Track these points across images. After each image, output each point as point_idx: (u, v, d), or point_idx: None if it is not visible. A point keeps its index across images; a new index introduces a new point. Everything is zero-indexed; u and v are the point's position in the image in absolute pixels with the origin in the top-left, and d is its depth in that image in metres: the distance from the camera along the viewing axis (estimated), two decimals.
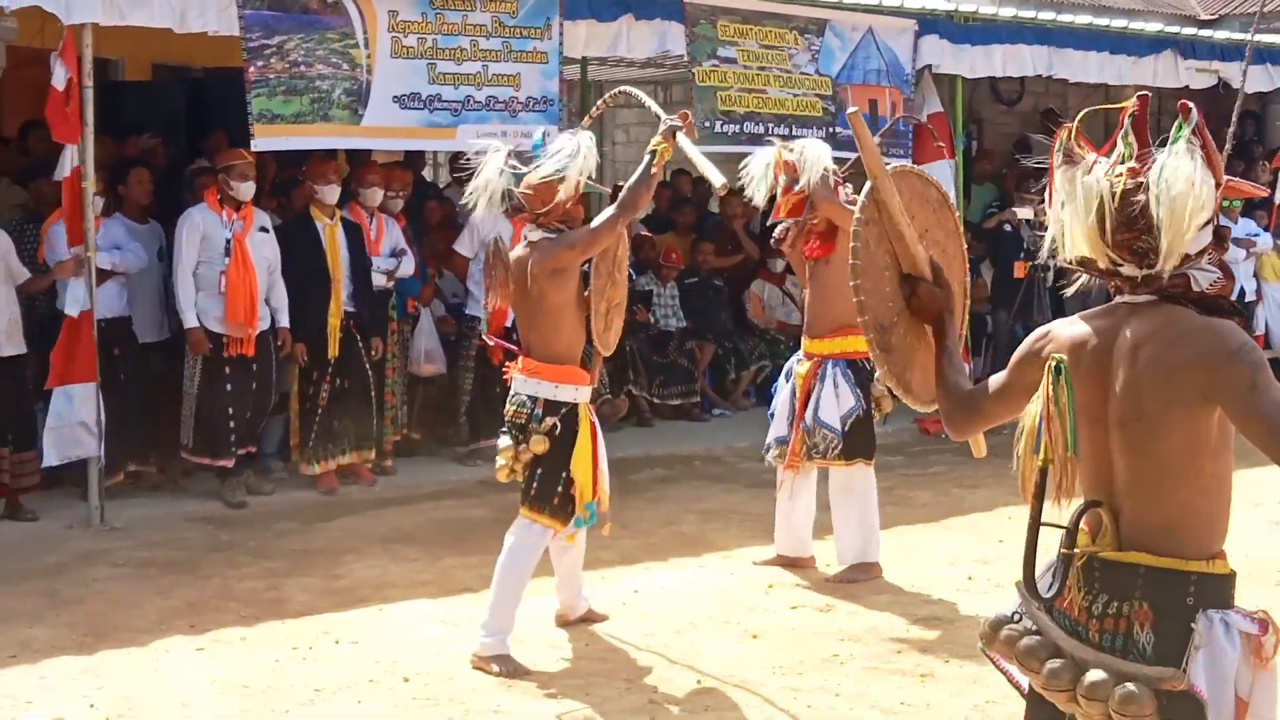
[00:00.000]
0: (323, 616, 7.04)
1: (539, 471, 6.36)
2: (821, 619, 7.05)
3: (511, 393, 6.48)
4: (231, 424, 9.27)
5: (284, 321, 9.50)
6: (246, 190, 9.30)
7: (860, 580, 7.64)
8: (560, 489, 6.37)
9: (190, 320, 9.18)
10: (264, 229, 9.44)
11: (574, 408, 6.42)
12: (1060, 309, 14.82)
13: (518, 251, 6.51)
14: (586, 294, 6.54)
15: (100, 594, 7.42)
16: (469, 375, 10.50)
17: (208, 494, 9.42)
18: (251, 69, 8.94)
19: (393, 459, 10.16)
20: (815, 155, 7.61)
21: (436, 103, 9.70)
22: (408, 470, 10.20)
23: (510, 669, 6.26)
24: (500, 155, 6.46)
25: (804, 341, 7.88)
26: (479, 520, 8.99)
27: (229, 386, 9.25)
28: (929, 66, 11.94)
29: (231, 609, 7.17)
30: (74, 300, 8.69)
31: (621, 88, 7.29)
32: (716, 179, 6.29)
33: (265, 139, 9.09)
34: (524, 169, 6.43)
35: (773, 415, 7.97)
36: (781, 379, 8.06)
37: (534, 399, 6.37)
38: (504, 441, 6.46)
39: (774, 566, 7.97)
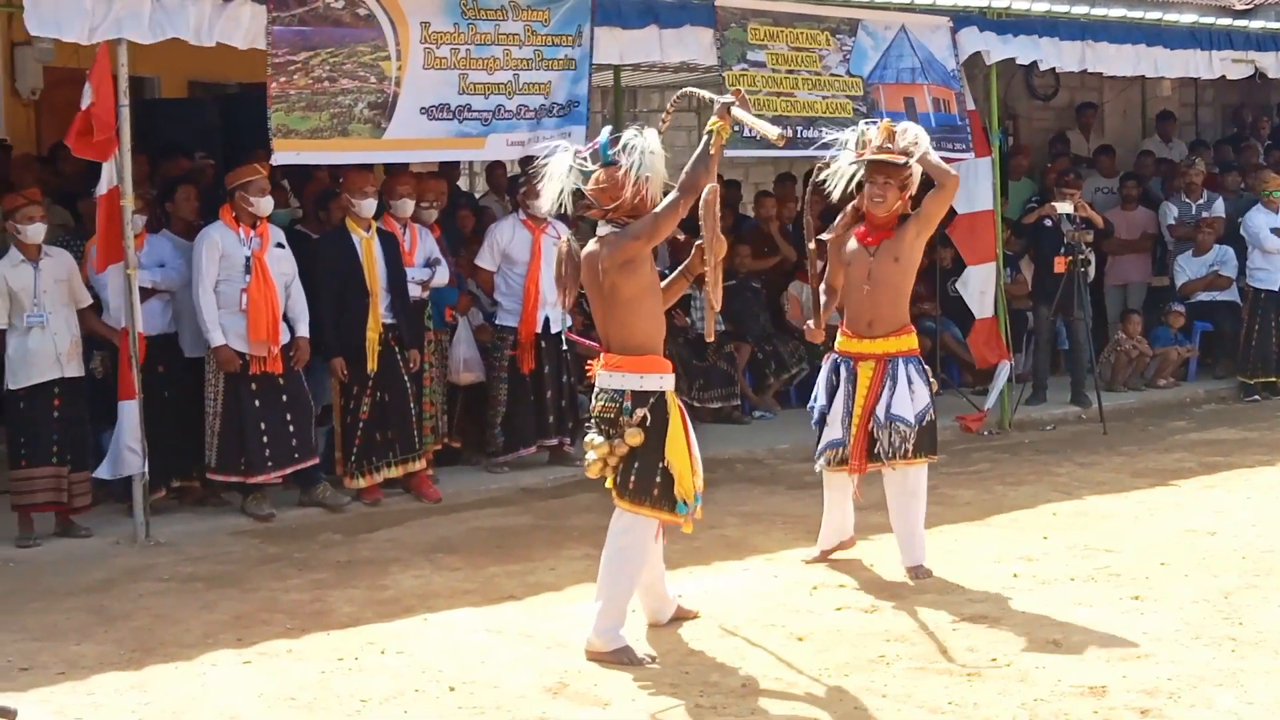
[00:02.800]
0: (368, 627, 7.05)
1: (635, 464, 6.44)
2: (866, 620, 7.03)
3: (596, 390, 6.57)
4: (265, 439, 9.28)
5: (303, 331, 9.48)
6: (265, 205, 9.32)
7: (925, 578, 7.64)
8: (659, 479, 6.45)
9: (217, 338, 9.18)
10: (280, 244, 9.46)
11: (661, 396, 6.49)
12: (1100, 303, 14.82)
13: (589, 248, 6.57)
14: (664, 283, 6.69)
15: (146, 609, 7.46)
16: (502, 385, 10.51)
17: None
18: (274, 85, 8.96)
19: (434, 469, 10.17)
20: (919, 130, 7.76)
21: (466, 113, 9.70)
22: (449, 479, 10.21)
23: (630, 658, 6.40)
24: (568, 155, 6.56)
25: (852, 342, 7.82)
26: (521, 528, 9.00)
27: (257, 403, 9.26)
28: (968, 58, 11.89)
29: (277, 621, 7.19)
30: (125, 317, 8.75)
31: (685, 89, 7.27)
32: (772, 132, 6.51)
33: (284, 154, 9.10)
34: (592, 167, 6.51)
35: (819, 420, 7.91)
36: (825, 381, 7.98)
37: (621, 392, 6.45)
38: (595, 438, 6.53)
39: (821, 564, 7.95)
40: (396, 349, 9.69)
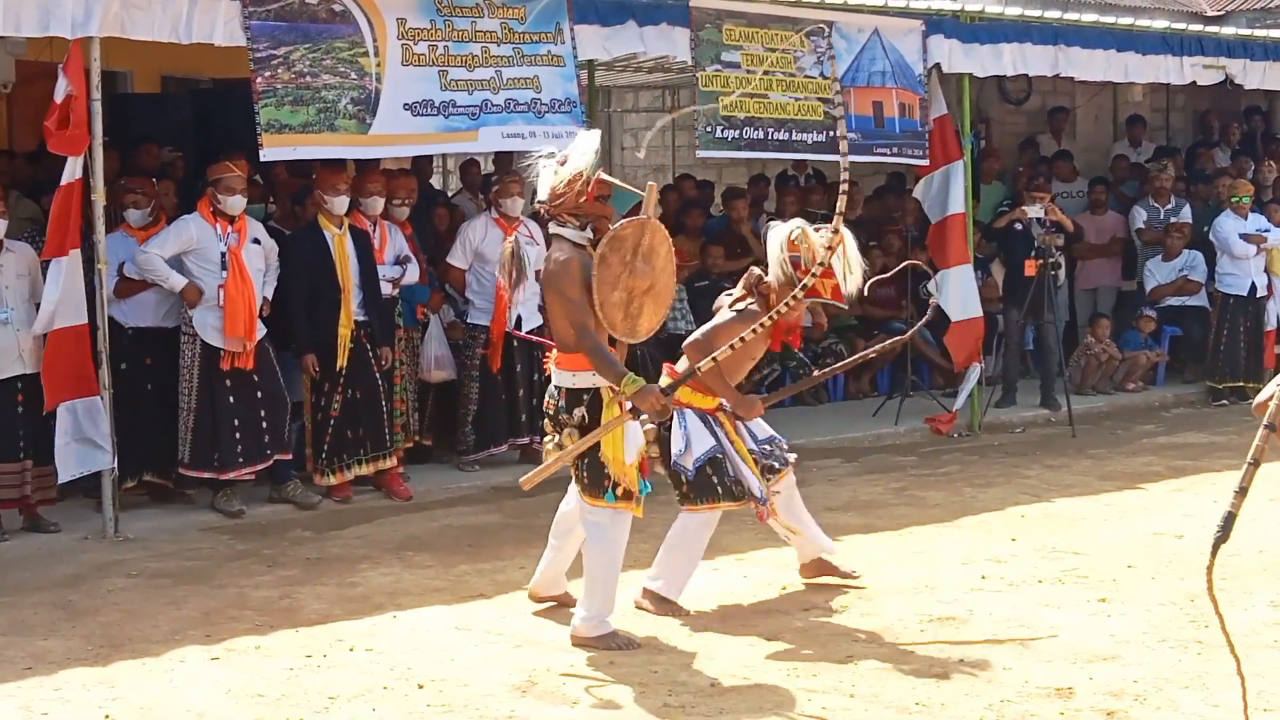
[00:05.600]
0: (337, 624, 7.05)
1: (585, 461, 6.55)
2: (835, 620, 7.05)
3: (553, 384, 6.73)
4: (238, 435, 9.27)
5: (267, 293, 9.50)
6: (235, 204, 9.30)
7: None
8: (607, 473, 6.54)
9: (178, 281, 9.15)
10: (256, 240, 9.45)
11: (595, 393, 6.55)
12: (1072, 306, 14.89)
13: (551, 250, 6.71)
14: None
15: (114, 605, 7.44)
16: (474, 384, 10.50)
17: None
18: (259, 79, 8.93)
19: (405, 466, 10.16)
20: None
21: (451, 108, 9.67)
22: (420, 477, 10.20)
23: (619, 643, 6.57)
24: (548, 161, 6.68)
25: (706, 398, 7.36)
26: (492, 526, 9.00)
27: (232, 399, 9.25)
28: (937, 66, 11.93)
29: (246, 618, 7.18)
30: (70, 313, 8.67)
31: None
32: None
33: (274, 149, 9.07)
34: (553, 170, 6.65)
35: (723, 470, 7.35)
36: (704, 429, 7.32)
37: (559, 389, 6.61)
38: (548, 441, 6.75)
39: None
40: (368, 346, 9.68)
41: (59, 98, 8.53)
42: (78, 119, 8.50)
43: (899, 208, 14.34)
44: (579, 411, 6.53)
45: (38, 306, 8.85)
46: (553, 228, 6.65)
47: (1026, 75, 14.23)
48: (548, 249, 6.78)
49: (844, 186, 6.81)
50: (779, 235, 7.28)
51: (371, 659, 6.53)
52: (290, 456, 9.64)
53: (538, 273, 7.40)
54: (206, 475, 9.36)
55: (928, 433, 12.24)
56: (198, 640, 6.81)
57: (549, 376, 6.77)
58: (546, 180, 6.61)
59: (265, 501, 9.63)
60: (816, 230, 7.21)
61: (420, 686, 6.14)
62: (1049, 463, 11.06)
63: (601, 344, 6.46)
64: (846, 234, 7.10)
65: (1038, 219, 12.92)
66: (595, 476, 6.58)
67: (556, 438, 6.64)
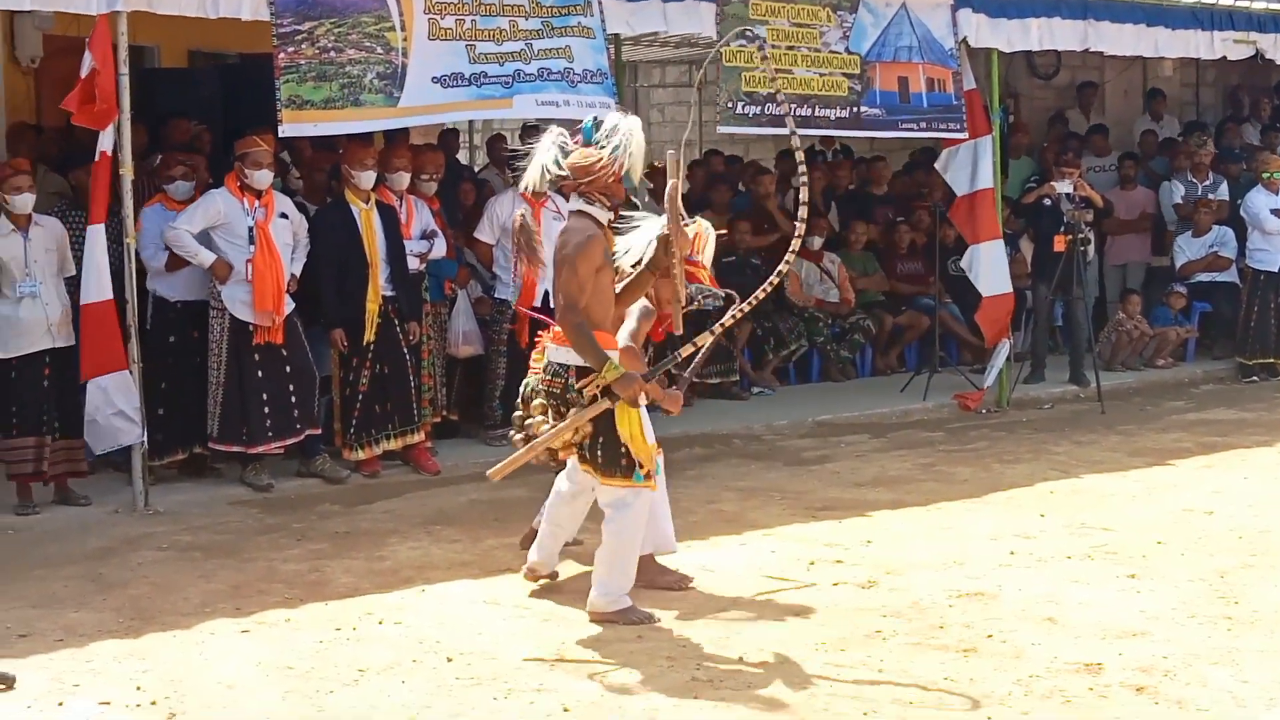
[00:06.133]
0: (366, 598, 7.07)
1: (600, 440, 6.54)
2: (863, 595, 7.04)
3: (545, 361, 6.72)
4: (267, 409, 9.29)
5: (295, 270, 9.51)
6: (261, 178, 9.31)
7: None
8: (624, 452, 6.54)
9: (207, 257, 9.17)
10: (284, 215, 9.46)
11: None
12: (1101, 281, 14.83)
13: (567, 224, 6.70)
14: (625, 282, 6.77)
15: (145, 578, 7.47)
16: (501, 359, 10.49)
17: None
18: (282, 55, 8.89)
19: (432, 441, 10.17)
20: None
21: (483, 79, 9.62)
22: (447, 452, 10.22)
23: (638, 617, 6.58)
24: (551, 135, 6.67)
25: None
26: (519, 501, 9.00)
27: (260, 373, 9.27)
28: (965, 40, 11.87)
29: (275, 591, 7.21)
30: (99, 288, 8.72)
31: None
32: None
33: (294, 125, 9.02)
34: (573, 146, 6.64)
35: None
36: None
37: (566, 366, 6.57)
38: (536, 405, 6.76)
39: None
40: (396, 321, 9.69)
41: (85, 73, 8.54)
42: (103, 94, 8.51)
43: (927, 183, 14.29)
44: (592, 392, 6.51)
45: (66, 281, 8.90)
46: (579, 203, 6.63)
47: (1055, 50, 14.15)
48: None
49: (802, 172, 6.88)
50: (649, 234, 6.89)
51: (400, 632, 6.55)
52: (319, 431, 9.66)
53: None
54: (235, 449, 9.39)
55: (956, 409, 12.22)
56: (228, 613, 6.84)
57: (537, 354, 6.76)
58: (548, 154, 6.57)
59: (294, 476, 9.66)
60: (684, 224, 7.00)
61: (449, 659, 6.16)
62: (1078, 439, 11.02)
63: (586, 325, 6.44)
64: (706, 226, 7.24)
65: (1067, 194, 12.86)
66: (613, 457, 6.56)
67: (546, 418, 6.63)
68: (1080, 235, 12.66)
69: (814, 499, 9.07)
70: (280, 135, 9.17)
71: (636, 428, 6.57)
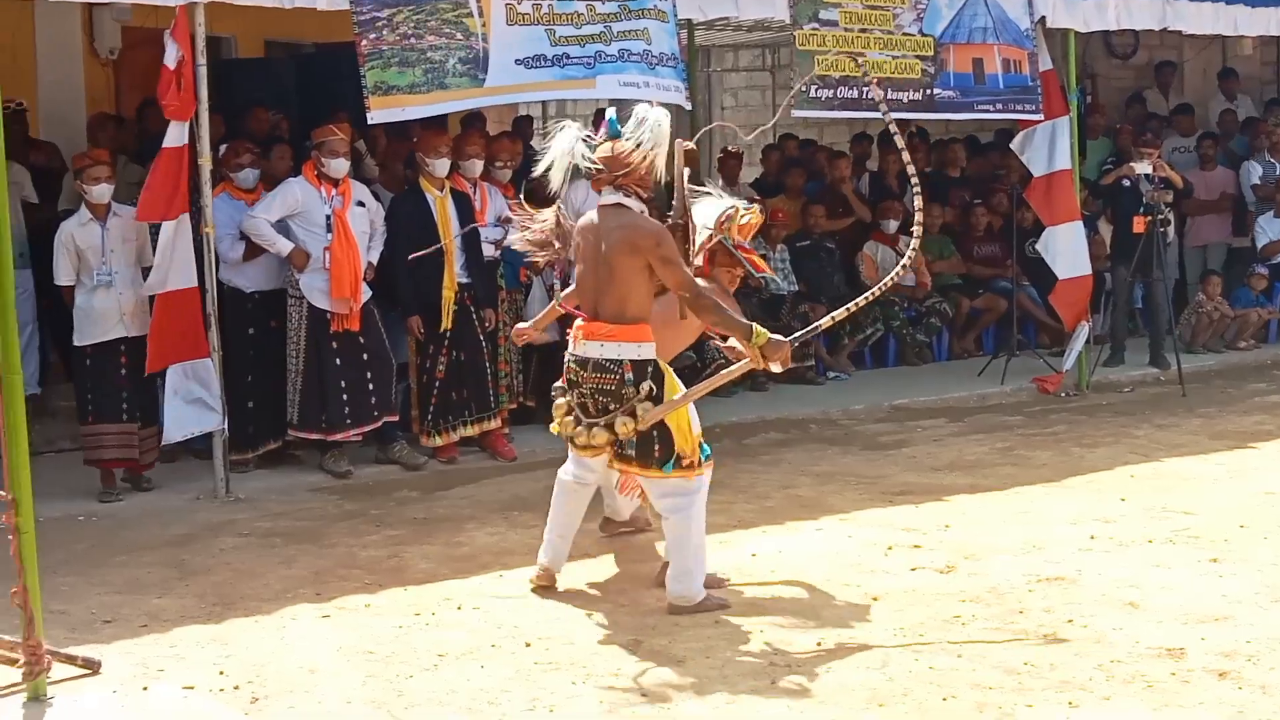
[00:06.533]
0: (444, 583, 7.11)
1: (655, 434, 6.44)
2: (942, 580, 7.01)
3: (577, 355, 6.55)
4: (345, 396, 9.36)
5: (372, 258, 9.57)
6: (337, 167, 9.36)
7: None
8: (673, 445, 6.47)
9: (284, 246, 9.26)
10: (360, 203, 9.51)
11: (655, 363, 6.49)
12: (1181, 263, 14.67)
13: (588, 219, 6.61)
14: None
15: (226, 564, 7.55)
16: None
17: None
18: (364, 42, 8.91)
19: (509, 427, 10.21)
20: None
21: (566, 60, 9.61)
22: (524, 438, 10.24)
23: (716, 604, 6.54)
24: (571, 130, 6.58)
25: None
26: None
27: (338, 361, 9.34)
28: (1042, 20, 11.75)
29: (355, 577, 7.26)
30: (179, 276, 8.79)
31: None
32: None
33: (381, 111, 9.04)
34: (599, 140, 6.56)
35: None
36: None
37: (619, 362, 6.43)
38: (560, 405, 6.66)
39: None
40: (472, 308, 9.73)
41: (169, 63, 8.61)
42: (187, 84, 8.58)
43: (1004, 165, 14.18)
44: (646, 385, 6.41)
45: (145, 271, 9.00)
46: (615, 196, 6.50)
47: (1133, 30, 14.00)
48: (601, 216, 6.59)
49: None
50: (709, 215, 6.99)
51: (479, 617, 6.58)
52: (397, 418, 9.72)
53: None
54: (314, 436, 9.47)
55: (1034, 392, 12.13)
56: (308, 598, 6.90)
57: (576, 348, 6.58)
58: (567, 144, 6.49)
59: (372, 462, 9.72)
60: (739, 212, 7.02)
61: (527, 645, 6.19)
62: (1159, 422, 10.92)
63: (717, 301, 6.46)
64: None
65: (1146, 175, 12.72)
66: (667, 451, 6.48)
67: (613, 416, 6.43)
68: (1160, 216, 12.52)
69: (891, 484, 9.03)
70: (369, 122, 9.19)
71: (685, 419, 6.50)
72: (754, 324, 6.43)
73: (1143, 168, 12.76)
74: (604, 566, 7.33)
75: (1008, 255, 13.49)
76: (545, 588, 6.97)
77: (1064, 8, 11.85)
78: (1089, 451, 9.91)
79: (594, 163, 6.53)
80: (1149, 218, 12.47)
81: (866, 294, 6.89)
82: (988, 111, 11.84)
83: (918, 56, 11.19)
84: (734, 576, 7.05)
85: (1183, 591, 6.71)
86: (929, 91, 11.21)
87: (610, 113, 6.65)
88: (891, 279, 6.89)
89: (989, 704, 5.45)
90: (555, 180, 6.59)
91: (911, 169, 6.90)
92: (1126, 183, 13.06)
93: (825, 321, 6.95)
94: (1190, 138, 15.28)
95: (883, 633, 6.25)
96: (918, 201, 6.90)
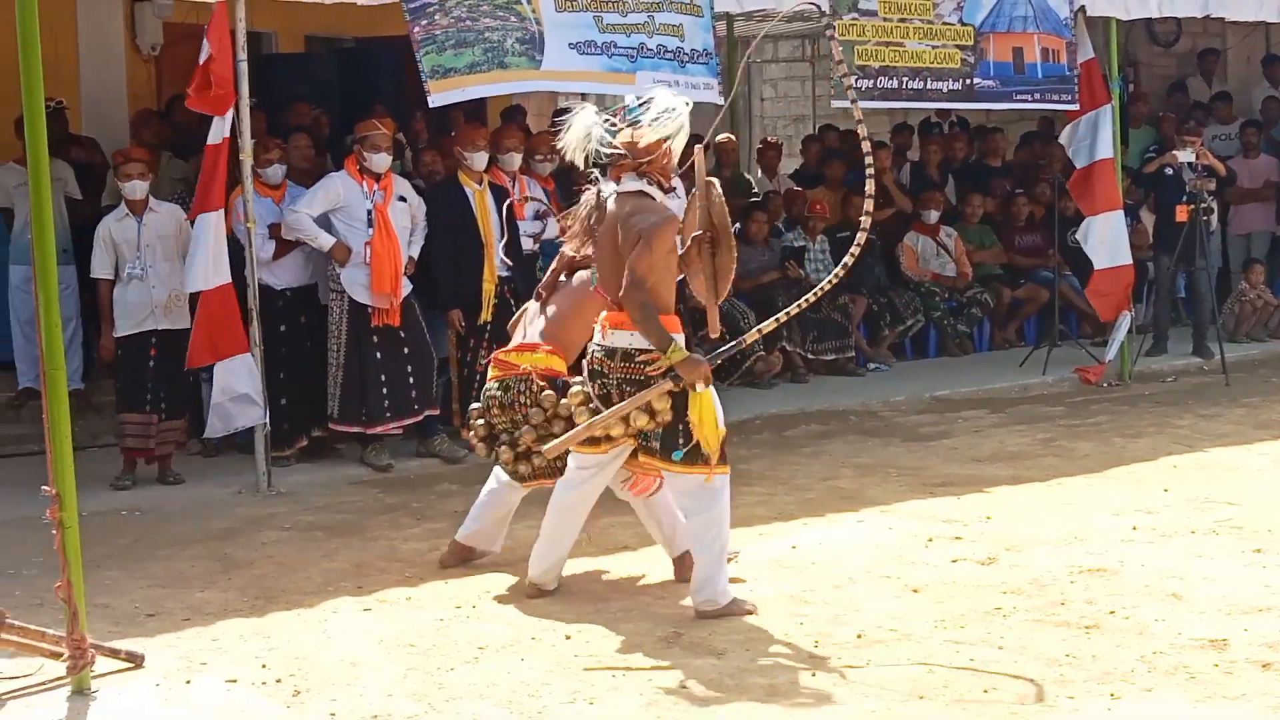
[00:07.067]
0: (485, 576, 7.13)
1: (680, 426, 6.33)
2: (983, 572, 6.99)
3: (605, 346, 6.44)
4: (385, 390, 9.39)
5: (413, 253, 9.61)
6: (379, 162, 9.40)
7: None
8: (694, 438, 6.34)
9: (326, 240, 9.29)
10: (402, 198, 9.54)
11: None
12: (1225, 252, 14.56)
13: (612, 207, 6.46)
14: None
15: (268, 557, 7.59)
16: None
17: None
18: (416, 29, 8.88)
19: None
20: None
21: (613, 49, 9.63)
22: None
23: (742, 609, 6.38)
24: (589, 113, 6.49)
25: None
26: None
27: (379, 355, 9.38)
28: (1083, 8, 11.69)
29: (396, 570, 7.29)
30: (216, 273, 8.83)
31: None
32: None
33: (441, 94, 9.01)
34: (619, 126, 6.42)
35: None
36: None
37: (647, 351, 6.31)
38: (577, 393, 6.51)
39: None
40: (512, 301, 9.74)
41: (201, 60, 8.65)
42: (219, 79, 8.61)
43: (1046, 155, 14.12)
44: (671, 379, 6.28)
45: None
46: (638, 184, 6.38)
47: (1175, 17, 13.90)
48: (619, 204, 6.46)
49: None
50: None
51: (519, 610, 6.59)
52: (437, 411, 9.74)
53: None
54: (355, 430, 9.51)
55: (1076, 383, 12.08)
56: (350, 591, 6.93)
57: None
58: (593, 131, 6.39)
59: (413, 456, 9.76)
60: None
61: (567, 637, 6.19)
62: (1202, 412, 10.86)
63: (651, 304, 6.26)
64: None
65: (1189, 163, 12.64)
66: (694, 446, 6.36)
67: (589, 406, 6.38)
68: (1203, 205, 12.45)
69: (932, 475, 9.01)
70: (430, 106, 9.19)
71: (710, 412, 6.37)
72: (675, 339, 6.27)
73: (1185, 156, 12.69)
74: (643, 560, 7.32)
75: (1050, 245, 13.44)
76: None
77: None
78: (1131, 442, 9.86)
79: (615, 148, 6.40)
80: (1192, 206, 12.40)
81: (794, 305, 6.65)
82: (1025, 101, 11.80)
83: (957, 46, 11.15)
84: (774, 569, 7.04)
85: (1226, 582, 6.66)
86: (968, 81, 11.18)
87: (629, 99, 6.55)
88: (824, 287, 6.70)
89: (1030, 695, 5.43)
90: (576, 159, 6.50)
91: (869, 160, 6.76)
92: (1169, 171, 12.98)
93: (751, 335, 6.84)
94: (1232, 125, 15.17)
95: (924, 625, 6.24)
96: (868, 205, 6.71)
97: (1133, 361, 12.37)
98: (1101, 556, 7.14)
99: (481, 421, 7.09)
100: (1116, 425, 10.47)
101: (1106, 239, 12.01)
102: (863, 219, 6.68)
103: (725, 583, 6.47)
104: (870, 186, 6.66)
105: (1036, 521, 7.84)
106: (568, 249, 7.05)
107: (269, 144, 9.61)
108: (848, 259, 6.58)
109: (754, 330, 6.91)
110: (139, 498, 8.89)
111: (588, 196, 6.64)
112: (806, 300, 6.69)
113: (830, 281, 6.67)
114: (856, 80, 10.67)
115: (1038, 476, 8.90)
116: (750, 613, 6.40)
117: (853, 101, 7.21)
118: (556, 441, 6.58)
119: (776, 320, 6.80)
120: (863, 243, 6.61)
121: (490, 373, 7.15)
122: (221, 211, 8.81)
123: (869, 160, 6.66)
